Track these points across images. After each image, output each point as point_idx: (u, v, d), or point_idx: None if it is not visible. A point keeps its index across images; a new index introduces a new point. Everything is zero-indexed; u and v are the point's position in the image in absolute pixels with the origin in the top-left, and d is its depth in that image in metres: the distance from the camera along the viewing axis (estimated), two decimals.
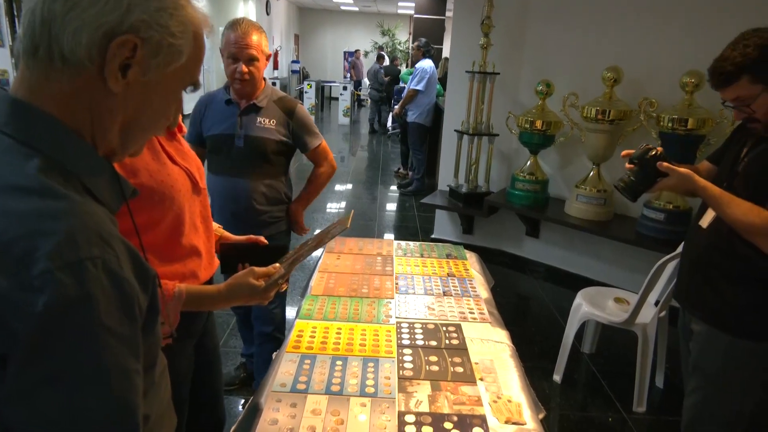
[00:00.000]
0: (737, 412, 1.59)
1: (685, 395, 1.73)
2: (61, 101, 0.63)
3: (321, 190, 2.28)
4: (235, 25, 1.93)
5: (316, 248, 1.39)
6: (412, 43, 7.60)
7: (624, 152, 1.67)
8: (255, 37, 1.92)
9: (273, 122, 2.06)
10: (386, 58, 11.40)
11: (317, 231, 1.67)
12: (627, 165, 1.60)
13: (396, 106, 6.63)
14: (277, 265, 1.28)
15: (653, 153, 1.52)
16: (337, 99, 12.67)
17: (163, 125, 0.74)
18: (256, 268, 1.24)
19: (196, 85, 0.73)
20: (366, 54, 15.94)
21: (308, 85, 12.49)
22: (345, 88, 11.94)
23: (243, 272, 1.23)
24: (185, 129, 1.41)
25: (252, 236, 1.54)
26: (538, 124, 3.65)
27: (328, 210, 5.60)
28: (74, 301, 0.55)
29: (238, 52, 1.92)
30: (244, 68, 1.93)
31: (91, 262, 0.56)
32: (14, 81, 0.64)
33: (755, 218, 1.41)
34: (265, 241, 1.53)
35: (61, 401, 0.55)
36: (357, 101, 14.94)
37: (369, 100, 11.98)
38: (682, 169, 1.53)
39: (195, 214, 1.30)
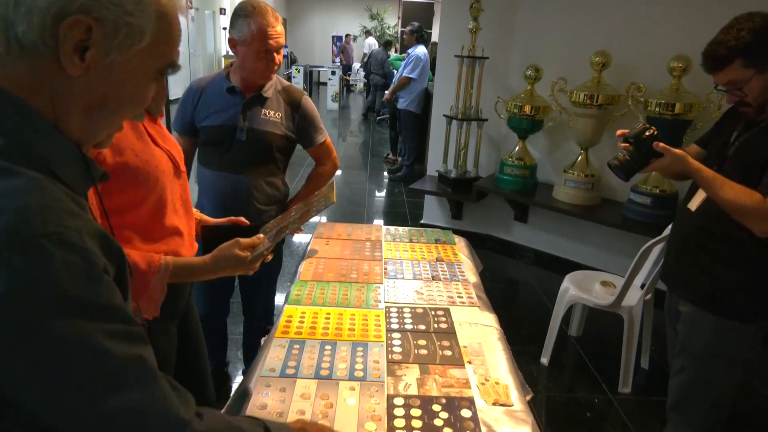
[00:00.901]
0: (721, 391, 1.63)
1: (670, 375, 1.77)
2: (24, 85, 0.62)
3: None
4: (261, 13, 1.74)
5: (301, 222, 1.39)
6: (402, 27, 7.52)
7: (619, 132, 1.67)
8: (280, 26, 1.79)
9: (279, 115, 1.91)
10: (393, 45, 11.03)
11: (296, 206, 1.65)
12: (621, 144, 1.61)
13: (387, 92, 6.56)
14: (262, 236, 1.30)
15: (649, 133, 1.53)
16: (325, 84, 12.57)
17: (135, 110, 0.71)
18: (241, 240, 1.25)
19: (173, 67, 0.70)
20: (354, 39, 15.80)
21: (296, 69, 12.38)
22: (333, 73, 11.84)
23: (228, 243, 1.25)
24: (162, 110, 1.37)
25: (233, 218, 1.53)
26: (527, 109, 3.65)
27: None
28: (35, 280, 0.54)
29: (275, 44, 1.77)
30: (279, 59, 1.79)
31: (47, 239, 0.55)
32: None
33: (747, 200, 1.44)
34: (247, 222, 1.52)
35: (50, 385, 0.56)
36: (346, 86, 14.84)
37: (363, 86, 11.88)
38: (677, 150, 1.54)
39: (176, 197, 1.31)
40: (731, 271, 1.57)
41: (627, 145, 1.59)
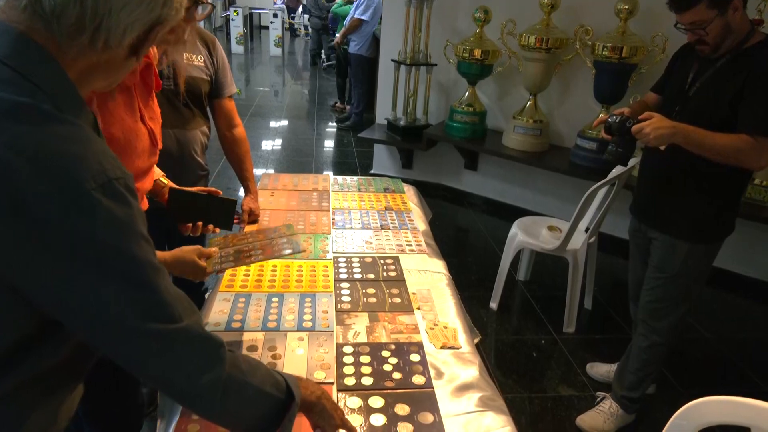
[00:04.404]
0: (687, 302, 1.92)
1: (642, 293, 1.98)
2: (70, 59, 0.66)
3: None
4: None
5: (265, 256, 1.38)
6: None
7: (596, 122, 1.94)
8: None
9: (200, 59, 1.78)
10: None
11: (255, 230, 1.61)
12: (603, 134, 1.77)
13: (337, 35, 6.35)
14: (215, 249, 1.33)
15: (629, 124, 1.66)
16: (267, 28, 12.04)
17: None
18: (203, 248, 1.28)
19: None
20: None
21: (234, 12, 11.75)
22: (275, 16, 11.34)
23: (190, 248, 1.26)
24: (161, 83, 1.32)
25: (204, 187, 1.49)
26: (477, 53, 3.63)
27: (262, 148, 5.45)
28: (114, 214, 0.63)
29: None
30: None
31: (117, 182, 0.64)
32: (16, 15, 0.64)
33: (739, 142, 1.59)
34: (219, 191, 1.48)
35: (119, 306, 0.65)
36: (290, 30, 14.29)
37: (308, 30, 11.47)
38: (652, 118, 1.62)
39: (141, 171, 1.28)
40: (700, 201, 1.78)
41: (609, 136, 1.75)
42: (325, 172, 4.88)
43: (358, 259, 1.71)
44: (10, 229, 0.59)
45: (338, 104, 7.22)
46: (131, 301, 0.66)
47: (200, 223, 1.40)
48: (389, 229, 1.95)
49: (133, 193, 0.67)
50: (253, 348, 1.27)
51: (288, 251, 1.40)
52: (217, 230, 1.45)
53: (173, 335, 0.69)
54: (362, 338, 1.34)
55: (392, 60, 4.15)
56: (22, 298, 0.63)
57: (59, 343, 0.71)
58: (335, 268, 1.65)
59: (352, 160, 5.28)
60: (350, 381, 1.18)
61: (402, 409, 1.11)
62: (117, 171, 0.65)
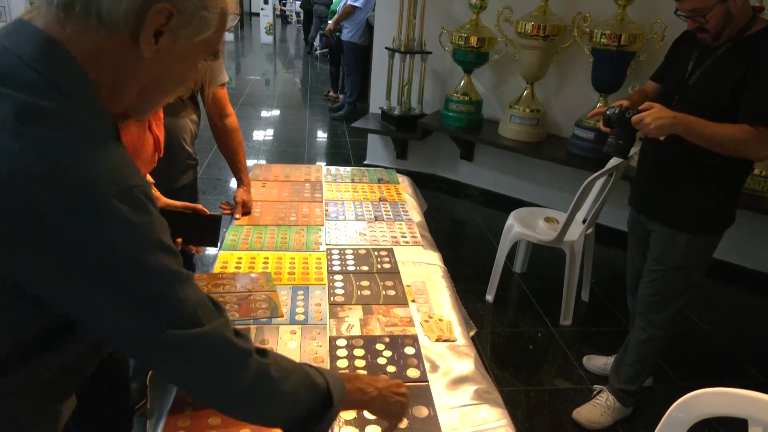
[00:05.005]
0: (687, 295, 1.93)
1: (640, 286, 1.99)
2: (88, 55, 0.66)
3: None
4: None
5: (241, 313, 1.35)
6: None
7: (591, 113, 1.94)
8: None
9: None
10: None
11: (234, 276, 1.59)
12: (603, 127, 1.77)
13: (330, 22, 6.31)
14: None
15: (629, 115, 1.66)
16: (257, 15, 11.96)
17: (180, 92, 0.81)
18: None
19: (216, 56, 0.79)
20: None
21: None
22: (266, 2, 11.26)
23: None
24: None
25: (188, 203, 1.48)
26: (472, 40, 3.62)
27: (254, 138, 5.43)
28: (132, 223, 0.63)
29: None
30: None
31: (137, 189, 0.65)
32: (39, 18, 0.66)
33: (740, 132, 1.59)
34: (205, 209, 1.47)
35: (138, 314, 0.66)
36: (282, 17, 14.19)
37: (300, 17, 11.38)
38: (652, 108, 1.62)
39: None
40: (700, 191, 1.79)
41: (608, 129, 1.75)
42: (317, 163, 4.87)
43: (351, 251, 1.71)
44: (28, 234, 0.59)
45: (331, 93, 7.19)
46: (150, 310, 0.66)
47: (179, 240, 1.38)
48: (383, 220, 1.95)
49: (152, 201, 0.68)
50: None
51: (264, 317, 1.36)
52: (201, 251, 1.46)
53: (194, 341, 0.69)
54: (356, 331, 1.34)
55: (386, 48, 4.13)
56: (35, 301, 0.63)
57: (64, 348, 0.71)
58: (328, 260, 1.65)
59: (346, 151, 5.27)
60: None
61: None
62: (137, 178, 0.66)
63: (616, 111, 1.70)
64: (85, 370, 0.81)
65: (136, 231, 0.64)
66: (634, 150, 2.30)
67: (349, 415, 1.07)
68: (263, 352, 0.79)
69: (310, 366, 0.88)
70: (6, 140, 0.58)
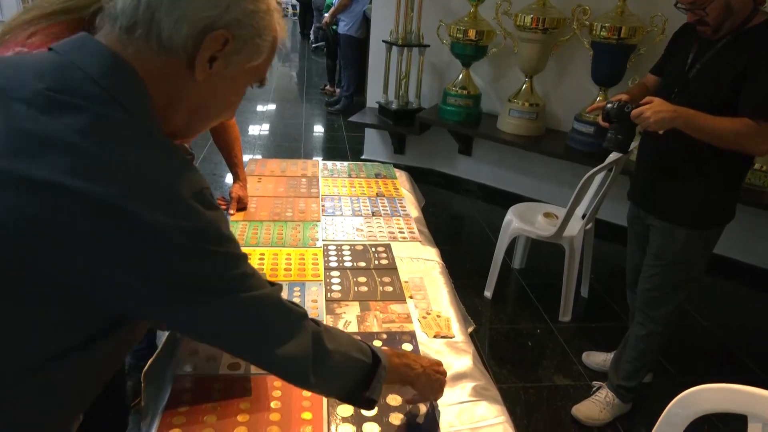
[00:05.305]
0: (687, 290, 1.94)
1: (640, 281, 2.00)
2: (147, 74, 0.71)
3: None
4: None
5: None
6: None
7: (590, 108, 1.96)
8: None
9: None
10: None
11: None
12: (602, 122, 1.78)
13: (326, 15, 6.29)
14: None
15: (627, 109, 1.66)
16: None
17: (226, 116, 0.84)
18: None
19: (262, 83, 0.83)
20: None
21: None
22: None
23: None
24: None
25: None
26: (471, 33, 3.61)
27: (249, 133, 5.41)
28: (209, 220, 0.69)
29: None
30: None
31: (206, 191, 0.71)
32: (101, 35, 0.71)
33: (740, 126, 1.59)
34: None
35: (222, 304, 0.72)
36: None
37: (296, 9, 11.33)
38: (653, 102, 1.63)
39: None
40: (700, 186, 1.80)
41: (607, 123, 1.76)
42: (314, 158, 4.86)
43: (348, 247, 1.71)
44: (116, 234, 0.63)
45: (328, 87, 7.17)
46: (224, 288, 0.73)
47: None
48: (381, 215, 1.95)
49: (214, 199, 0.73)
50: None
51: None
52: None
53: (254, 302, 0.76)
54: (353, 328, 1.34)
55: (383, 41, 4.12)
56: (86, 300, 0.67)
57: (95, 350, 0.73)
58: (325, 256, 1.65)
59: (343, 145, 5.27)
60: None
61: (394, 400, 1.12)
62: (203, 181, 0.71)
63: (615, 106, 1.70)
64: (113, 366, 0.84)
65: (214, 224, 0.70)
66: (634, 144, 2.30)
67: (347, 412, 1.08)
68: (314, 319, 0.86)
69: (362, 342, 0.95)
70: (88, 148, 0.63)
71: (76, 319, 0.68)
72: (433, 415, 1.09)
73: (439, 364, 1.08)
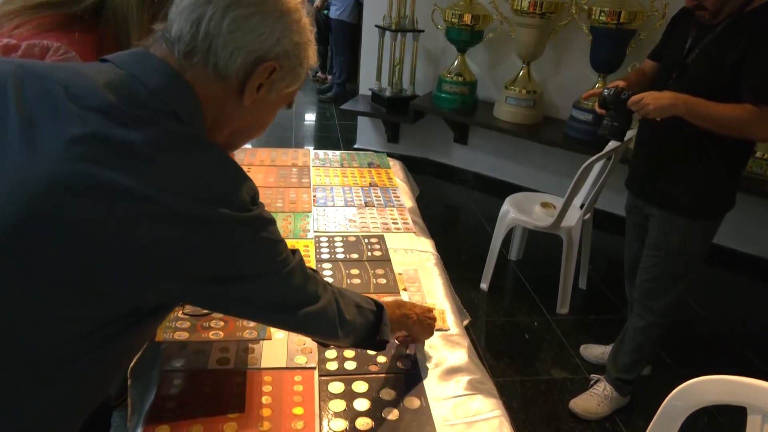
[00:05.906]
0: (686, 281, 1.94)
1: (639, 272, 2.01)
2: (203, 96, 0.79)
3: None
4: None
5: (223, 334, 1.27)
6: None
7: (586, 94, 2.02)
8: None
9: None
10: None
11: None
12: (598, 109, 1.78)
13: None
14: None
15: (624, 96, 1.67)
16: None
17: (258, 135, 0.93)
18: None
19: (291, 105, 0.93)
20: None
21: None
22: None
23: None
24: None
25: None
26: (467, 18, 3.59)
27: None
28: (262, 219, 0.79)
29: None
30: None
31: (257, 195, 0.80)
32: (158, 51, 0.79)
33: (742, 112, 1.60)
34: None
35: (273, 289, 0.84)
36: None
37: None
38: (653, 93, 1.63)
39: None
40: (700, 174, 1.80)
41: (604, 111, 1.76)
42: (305, 147, 4.84)
43: (340, 239, 1.71)
44: (187, 234, 0.71)
45: (319, 74, 7.13)
46: (272, 266, 0.82)
47: None
48: (374, 206, 1.94)
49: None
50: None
51: (252, 334, 1.28)
52: None
53: (293, 274, 0.86)
54: None
55: (376, 26, 4.09)
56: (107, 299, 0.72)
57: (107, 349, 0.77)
58: (316, 248, 1.64)
59: (335, 134, 5.25)
60: (332, 366, 1.19)
61: (387, 394, 1.12)
62: (254, 185, 0.80)
63: (612, 92, 1.70)
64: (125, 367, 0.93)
65: (270, 224, 0.81)
66: (632, 132, 2.30)
67: (339, 407, 1.08)
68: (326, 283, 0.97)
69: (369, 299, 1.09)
70: (161, 159, 0.70)
71: (99, 315, 0.73)
72: (415, 358, 1.23)
73: (430, 310, 1.25)
